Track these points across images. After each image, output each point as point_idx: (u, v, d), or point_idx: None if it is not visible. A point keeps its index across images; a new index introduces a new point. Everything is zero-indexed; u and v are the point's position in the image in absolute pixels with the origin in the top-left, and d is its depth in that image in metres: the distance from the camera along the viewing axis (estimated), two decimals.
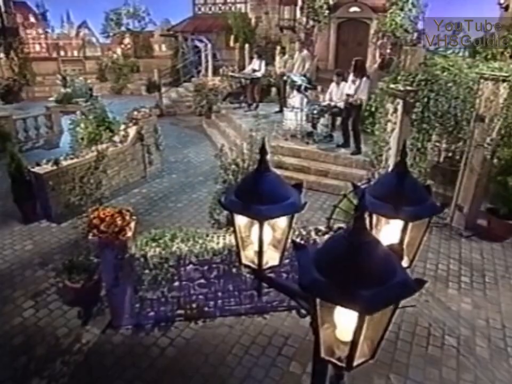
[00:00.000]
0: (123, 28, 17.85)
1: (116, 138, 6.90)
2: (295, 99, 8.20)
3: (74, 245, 4.98)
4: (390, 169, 1.32)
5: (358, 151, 7.42)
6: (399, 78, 3.37)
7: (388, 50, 14.93)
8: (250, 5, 14.90)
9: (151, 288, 3.79)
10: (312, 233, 4.01)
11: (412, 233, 1.55)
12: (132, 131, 7.04)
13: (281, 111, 10.27)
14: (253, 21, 14.42)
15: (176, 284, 3.86)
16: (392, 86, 3.43)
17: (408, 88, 3.27)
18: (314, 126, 8.21)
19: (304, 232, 4.02)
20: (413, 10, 13.20)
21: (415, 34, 13.43)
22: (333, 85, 8.01)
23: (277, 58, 10.20)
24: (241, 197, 1.39)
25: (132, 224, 3.62)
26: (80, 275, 4.15)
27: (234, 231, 1.54)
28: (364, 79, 6.99)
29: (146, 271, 3.72)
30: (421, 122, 3.27)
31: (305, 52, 9.50)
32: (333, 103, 7.82)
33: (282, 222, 1.50)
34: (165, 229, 5.63)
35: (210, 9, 16.03)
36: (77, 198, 5.45)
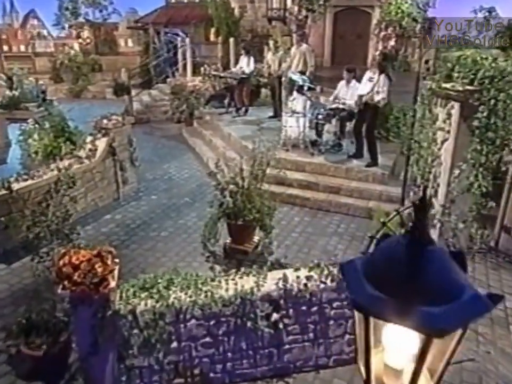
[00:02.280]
0: (81, 19, 17.37)
1: (81, 153, 6.43)
2: (296, 102, 7.93)
3: (32, 295, 4.43)
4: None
5: (374, 162, 7.19)
6: (455, 75, 3.07)
7: (392, 43, 15.04)
8: None
9: (142, 353, 3.32)
10: None
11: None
12: (101, 144, 6.60)
13: (275, 116, 10.06)
14: (237, 11, 14.29)
15: (174, 345, 3.41)
16: (445, 85, 3.13)
17: (469, 87, 2.97)
18: (319, 134, 7.96)
19: (335, 271, 3.64)
20: None
21: (424, 25, 13.52)
22: (342, 83, 7.82)
23: (269, 54, 9.98)
24: (388, 288, 0.95)
25: (116, 271, 3.16)
26: (42, 337, 3.63)
27: (366, 349, 1.11)
28: (383, 75, 6.79)
29: (136, 332, 3.25)
30: (486, 131, 2.97)
31: (304, 45, 9.33)
32: (342, 106, 7.59)
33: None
34: (148, 266, 5.25)
35: None
36: (34, 232, 4.92)
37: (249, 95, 10.55)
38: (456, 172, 3.19)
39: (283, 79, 9.69)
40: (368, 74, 7.06)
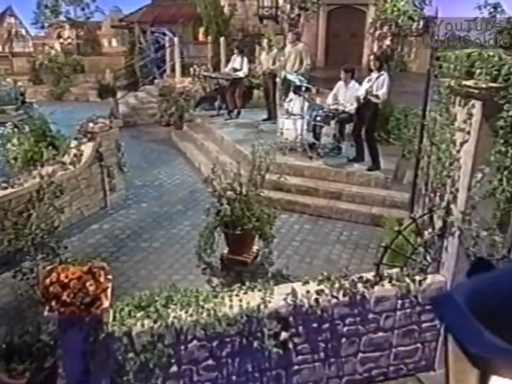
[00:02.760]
0: (61, 17, 17.03)
1: (66, 159, 6.19)
2: (293, 103, 7.80)
3: (13, 315, 4.18)
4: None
5: (376, 166, 7.08)
6: (477, 70, 2.94)
7: (388, 42, 15.05)
8: None
9: (138, 379, 3.10)
10: (359, 285, 3.48)
11: None
12: (87, 149, 6.37)
13: (270, 118, 9.91)
14: (227, 9, 14.16)
15: (174, 369, 3.19)
16: (467, 83, 3.00)
17: (493, 85, 2.84)
18: (316, 136, 7.82)
19: (347, 284, 3.48)
20: None
21: (421, 22, 13.54)
22: (340, 84, 7.70)
23: (263, 53, 9.85)
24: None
25: (109, 289, 2.95)
26: (24, 363, 3.38)
27: None
28: (384, 74, 6.70)
29: (131, 356, 3.04)
30: None
31: (301, 44, 9.24)
32: (341, 107, 7.48)
33: None
34: (140, 280, 5.02)
35: None
36: (16, 245, 4.67)
37: (241, 97, 10.38)
38: (478, 175, 3.04)
39: (277, 79, 9.58)
40: (368, 78, 6.96)
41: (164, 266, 5.36)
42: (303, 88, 7.59)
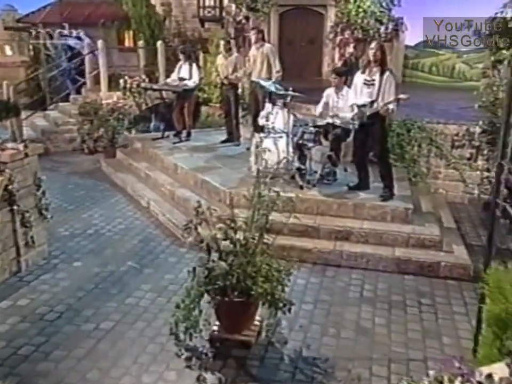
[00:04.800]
0: None
1: None
2: (274, 118, 6.93)
3: None
4: None
5: (390, 193, 6.36)
6: None
7: (351, 50, 14.92)
8: None
9: None
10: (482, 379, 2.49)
11: None
12: None
13: (230, 140, 9.05)
14: (159, 8, 13.32)
15: None
16: None
17: None
18: (302, 160, 6.98)
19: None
20: None
21: (390, 25, 13.55)
22: (329, 91, 7.07)
23: (219, 57, 9.03)
24: None
25: None
26: None
27: None
28: (387, 74, 6.03)
29: None
30: None
31: (267, 45, 8.60)
32: (338, 121, 6.74)
33: None
34: None
35: None
36: None
37: (192, 114, 9.42)
38: None
39: (239, 90, 8.78)
40: (361, 77, 6.24)
41: (125, 361, 4.05)
42: (288, 98, 6.76)
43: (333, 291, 5.26)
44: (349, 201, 6.36)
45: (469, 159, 7.75)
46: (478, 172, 7.71)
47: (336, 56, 14.95)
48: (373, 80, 6.05)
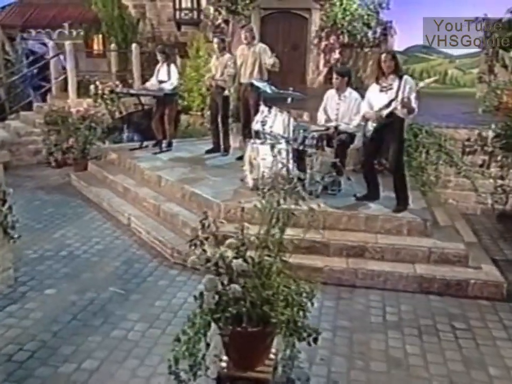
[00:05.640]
0: None
1: None
2: (271, 122, 6.52)
3: None
4: None
5: (404, 204, 6.02)
6: None
7: (336, 55, 14.77)
8: None
9: None
10: None
11: None
12: None
13: (216, 149, 8.63)
14: (132, 10, 12.90)
15: None
16: None
17: None
18: (302, 168, 6.60)
19: None
20: None
21: (378, 30, 13.44)
22: (330, 93, 6.79)
23: (212, 59, 8.66)
24: None
25: None
26: None
27: None
28: (405, 77, 5.73)
29: None
30: None
31: (260, 44, 8.34)
32: (342, 126, 6.39)
33: None
34: None
35: None
36: None
37: (173, 122, 8.95)
38: None
39: (226, 92, 8.38)
40: (376, 87, 5.89)
41: None
42: (289, 99, 6.36)
43: (352, 315, 4.81)
44: (360, 213, 5.96)
45: (481, 166, 7.51)
46: (491, 180, 7.46)
47: (321, 62, 14.86)
48: (390, 84, 5.72)
